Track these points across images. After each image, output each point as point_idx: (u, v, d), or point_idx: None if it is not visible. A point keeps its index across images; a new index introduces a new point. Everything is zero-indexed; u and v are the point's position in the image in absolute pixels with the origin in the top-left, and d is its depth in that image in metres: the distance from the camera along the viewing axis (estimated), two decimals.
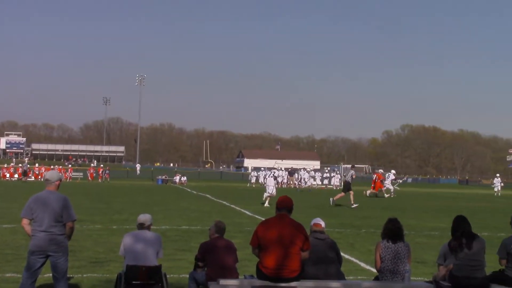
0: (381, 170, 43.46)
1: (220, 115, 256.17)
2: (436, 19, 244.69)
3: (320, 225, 8.94)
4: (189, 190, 46.86)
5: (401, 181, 62.12)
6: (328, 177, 67.75)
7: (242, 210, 26.56)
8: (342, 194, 31.46)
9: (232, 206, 29.17)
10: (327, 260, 8.61)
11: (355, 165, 33.48)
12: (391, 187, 43.39)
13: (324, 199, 36.45)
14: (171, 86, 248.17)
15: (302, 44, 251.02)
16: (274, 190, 31.31)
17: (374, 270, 9.50)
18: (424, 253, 14.18)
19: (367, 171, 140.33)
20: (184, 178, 62.97)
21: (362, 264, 12.72)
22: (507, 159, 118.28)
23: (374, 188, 42.01)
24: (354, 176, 33.18)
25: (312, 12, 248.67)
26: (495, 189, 57.41)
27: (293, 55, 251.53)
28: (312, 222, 9.03)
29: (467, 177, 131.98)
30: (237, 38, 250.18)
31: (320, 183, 65.45)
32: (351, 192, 30.88)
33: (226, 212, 25.26)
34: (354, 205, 29.76)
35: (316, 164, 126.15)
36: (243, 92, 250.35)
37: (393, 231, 8.68)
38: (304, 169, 65.75)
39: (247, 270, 10.43)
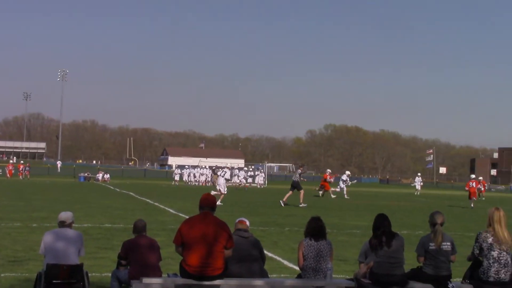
0: (329, 170, 43.88)
1: (144, 112, 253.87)
2: (356, 20, 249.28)
3: (244, 223, 8.98)
4: (112, 187, 46.18)
5: (355, 181, 62.47)
6: (252, 175, 68.01)
7: (166, 208, 26.35)
8: (290, 192, 31.31)
9: (156, 204, 28.90)
10: (250, 258, 8.64)
11: (303, 165, 33.32)
12: (344, 188, 43.96)
13: (248, 197, 36.58)
14: (95, 82, 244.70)
15: (225, 43, 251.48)
16: (225, 189, 31.57)
17: (297, 268, 9.58)
18: (345, 251, 14.40)
19: (291, 170, 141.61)
20: (107, 176, 62.10)
21: (285, 262, 12.80)
22: (426, 159, 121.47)
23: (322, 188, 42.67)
24: (301, 175, 33.06)
25: (224, 12, 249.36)
26: (416, 188, 58.53)
27: (216, 54, 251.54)
28: (237, 220, 9.06)
29: (387, 177, 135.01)
30: (161, 35, 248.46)
31: (244, 181, 65.78)
32: (302, 191, 30.96)
33: (149, 210, 25.01)
34: (303, 205, 29.78)
35: (241, 162, 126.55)
36: (168, 90, 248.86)
37: (315, 230, 8.79)
38: (240, 168, 65.82)
39: (171, 268, 10.36)
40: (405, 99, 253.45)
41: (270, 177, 77.79)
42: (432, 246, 8.72)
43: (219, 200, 30.06)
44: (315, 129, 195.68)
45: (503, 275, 8.59)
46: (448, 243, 8.82)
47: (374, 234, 8.79)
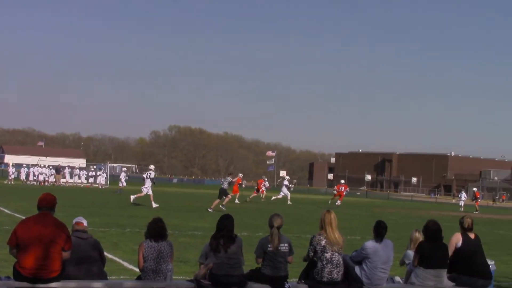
0: (264, 177, 44.26)
1: None
2: (194, 21, 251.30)
3: (82, 224, 8.77)
4: None
5: (292, 186, 61.47)
6: (94, 175, 66.56)
7: (1, 208, 25.17)
8: (218, 200, 31.56)
9: None
10: (89, 259, 8.46)
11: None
12: (287, 193, 44.66)
13: (89, 197, 35.72)
14: None
15: (64, 40, 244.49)
16: (150, 191, 31.45)
17: (137, 269, 9.50)
18: (186, 252, 14.45)
19: (134, 171, 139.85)
20: None
21: (126, 264, 12.66)
22: (268, 162, 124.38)
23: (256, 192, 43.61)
24: (230, 182, 33.51)
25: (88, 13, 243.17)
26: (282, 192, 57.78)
27: (55, 52, 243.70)
28: (74, 221, 8.83)
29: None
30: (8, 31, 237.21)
31: (85, 181, 64.36)
32: (228, 197, 31.72)
33: None
34: (210, 210, 30.00)
35: (82, 162, 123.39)
36: (6, 86, 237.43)
37: (156, 231, 8.77)
38: (82, 168, 64.08)
39: (4, 271, 9.91)
40: (249, 102, 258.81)
41: (112, 178, 76.43)
42: (270, 247, 8.96)
43: (153, 202, 30.90)
44: (159, 130, 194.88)
45: (335, 275, 9.01)
46: (286, 245, 9.09)
47: (214, 235, 8.91)
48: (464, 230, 10.03)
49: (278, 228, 9.07)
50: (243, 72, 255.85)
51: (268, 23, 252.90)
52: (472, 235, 10.00)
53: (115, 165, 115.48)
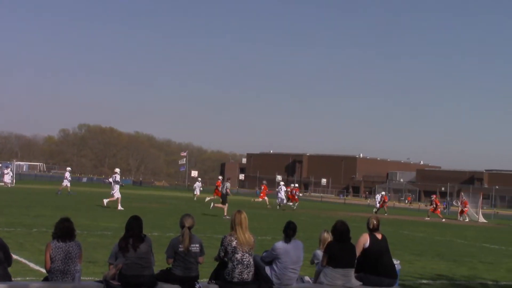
0: (226, 183, 44.10)
1: None
2: (126, 21, 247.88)
3: None
4: None
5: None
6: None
7: None
8: (226, 205, 31.82)
9: None
10: None
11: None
12: (283, 198, 45.88)
13: None
14: None
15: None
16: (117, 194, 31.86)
17: (44, 270, 9.27)
18: (95, 253, 14.20)
19: (42, 169, 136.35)
20: None
21: (32, 265, 12.33)
22: (179, 162, 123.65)
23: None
24: (228, 190, 33.33)
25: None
26: (195, 192, 56.87)
27: None
28: None
29: (141, 178, 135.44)
30: None
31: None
32: (226, 205, 31.71)
33: None
34: (227, 217, 29.71)
35: None
36: None
37: (64, 231, 8.58)
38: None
39: None
40: (161, 102, 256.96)
41: (19, 176, 74.29)
42: (181, 248, 8.92)
43: (119, 204, 31.43)
44: (68, 128, 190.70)
45: (246, 276, 9.06)
46: (197, 245, 9.07)
47: (123, 235, 8.81)
48: (371, 231, 10.28)
49: (189, 228, 9.05)
50: (154, 71, 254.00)
51: (177, 22, 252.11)
52: (379, 236, 10.26)
53: (21, 163, 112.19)
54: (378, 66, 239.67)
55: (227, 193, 32.63)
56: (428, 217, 46.60)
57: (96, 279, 9.58)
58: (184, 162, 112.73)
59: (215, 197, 41.27)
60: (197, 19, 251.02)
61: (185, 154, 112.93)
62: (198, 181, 60.22)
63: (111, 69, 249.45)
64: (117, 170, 33.80)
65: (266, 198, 47.66)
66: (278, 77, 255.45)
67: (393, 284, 10.12)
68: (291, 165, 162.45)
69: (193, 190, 59.55)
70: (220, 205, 32.71)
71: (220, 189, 43.14)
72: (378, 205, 52.59)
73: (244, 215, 9.29)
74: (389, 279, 10.04)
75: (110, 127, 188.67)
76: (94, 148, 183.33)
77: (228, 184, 33.61)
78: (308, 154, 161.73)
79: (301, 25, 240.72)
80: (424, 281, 13.41)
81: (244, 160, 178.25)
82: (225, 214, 30.81)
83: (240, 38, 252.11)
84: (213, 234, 20.44)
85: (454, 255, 19.84)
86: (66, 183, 47.16)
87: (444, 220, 45.76)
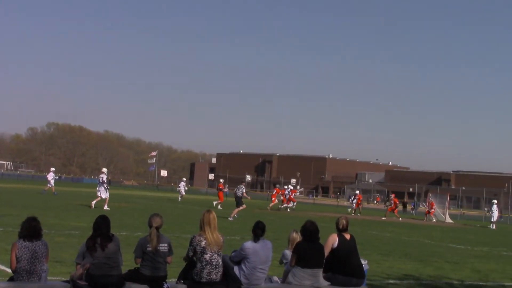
0: (242, 186, 44.39)
1: None
2: (77, 18, 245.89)
3: None
4: None
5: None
6: None
7: None
8: (237, 208, 32.26)
9: None
10: None
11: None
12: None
13: None
14: None
15: None
16: (103, 194, 32.27)
17: (9, 270, 9.15)
18: (63, 252, 14.06)
19: (9, 168, 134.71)
20: None
21: None
22: (149, 162, 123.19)
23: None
24: (245, 194, 34.29)
25: None
26: (180, 194, 53.35)
27: None
28: None
29: (110, 178, 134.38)
30: None
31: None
32: (241, 207, 32.18)
33: None
34: (231, 218, 30.41)
35: None
36: None
37: (30, 230, 8.49)
38: None
39: None
40: (131, 101, 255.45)
41: None
42: (149, 247, 8.89)
43: (106, 205, 31.85)
44: (36, 127, 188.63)
45: (214, 276, 9.05)
46: (166, 245, 9.04)
47: (91, 235, 8.75)
48: (340, 231, 10.33)
49: (157, 228, 9.02)
50: (123, 69, 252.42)
51: (147, 21, 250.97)
52: (347, 236, 10.32)
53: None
54: (345, 67, 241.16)
55: (242, 196, 33.40)
56: (385, 216, 47.05)
57: (63, 279, 9.50)
58: (154, 161, 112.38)
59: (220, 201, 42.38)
60: (163, 22, 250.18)
61: (155, 154, 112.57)
62: (183, 181, 57.09)
63: (81, 67, 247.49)
64: (104, 170, 34.11)
65: (276, 200, 48.23)
66: (246, 78, 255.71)
67: (361, 284, 10.18)
68: (261, 165, 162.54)
69: (178, 191, 56.59)
70: (238, 209, 32.63)
71: (223, 190, 44.69)
72: (354, 205, 52.61)
73: (213, 215, 9.28)
74: (356, 279, 10.10)
75: (79, 125, 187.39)
76: (63, 147, 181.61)
77: (243, 188, 34.26)
78: (278, 154, 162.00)
79: (271, 27, 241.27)
80: (391, 281, 13.51)
81: (214, 160, 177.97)
82: (233, 214, 31.56)
83: (202, 38, 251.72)
84: (181, 234, 20.37)
85: (421, 255, 20.03)
86: (51, 183, 47.24)
87: (401, 219, 46.38)
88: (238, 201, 32.86)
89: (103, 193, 31.99)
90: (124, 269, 8.98)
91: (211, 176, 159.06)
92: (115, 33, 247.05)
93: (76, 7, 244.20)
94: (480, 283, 14.47)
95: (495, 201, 47.01)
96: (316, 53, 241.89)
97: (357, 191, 55.04)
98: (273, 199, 47.81)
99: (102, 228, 8.74)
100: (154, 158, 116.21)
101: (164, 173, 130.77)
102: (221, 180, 46.96)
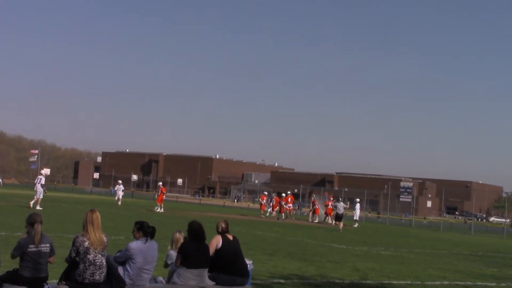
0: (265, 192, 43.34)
1: None
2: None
3: None
4: None
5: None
6: None
7: None
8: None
9: None
10: None
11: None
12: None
13: None
14: None
15: None
16: (40, 195, 32.46)
17: None
18: None
19: None
20: None
21: None
22: (30, 160, 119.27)
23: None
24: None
25: None
26: (118, 197, 49.19)
27: None
28: None
29: None
30: None
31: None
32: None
33: None
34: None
35: None
36: None
37: None
38: None
39: None
40: (11, 97, 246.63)
41: None
42: (31, 248, 8.63)
43: (38, 206, 31.53)
44: None
45: (97, 277, 8.90)
46: (47, 245, 8.83)
47: None
48: (220, 234, 10.47)
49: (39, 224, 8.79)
50: (8, 62, 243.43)
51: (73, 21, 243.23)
52: (230, 237, 10.46)
53: None
54: (235, 68, 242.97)
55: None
56: (262, 215, 49.25)
57: None
58: (35, 159, 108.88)
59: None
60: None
61: (36, 152, 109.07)
62: (119, 184, 50.44)
63: None
64: (43, 172, 33.87)
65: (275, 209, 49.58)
66: (131, 76, 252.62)
67: (245, 283, 10.31)
68: (147, 165, 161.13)
69: (114, 194, 51.53)
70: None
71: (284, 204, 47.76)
72: (271, 208, 50.80)
73: (96, 215, 9.11)
74: (241, 278, 10.22)
75: None
76: None
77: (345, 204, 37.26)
78: (164, 154, 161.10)
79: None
80: (276, 280, 13.73)
81: (99, 159, 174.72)
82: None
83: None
84: (63, 234, 19.89)
85: (305, 254, 20.47)
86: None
87: (263, 216, 48.60)
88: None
89: (39, 194, 30.91)
90: (3, 270, 8.68)
91: (96, 175, 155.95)
92: None
93: None
94: (360, 281, 14.96)
95: (358, 199, 49.32)
96: (195, 52, 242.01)
97: (266, 192, 57.32)
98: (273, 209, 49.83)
99: None
100: (36, 156, 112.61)
101: (46, 171, 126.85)
102: (265, 192, 51.21)
